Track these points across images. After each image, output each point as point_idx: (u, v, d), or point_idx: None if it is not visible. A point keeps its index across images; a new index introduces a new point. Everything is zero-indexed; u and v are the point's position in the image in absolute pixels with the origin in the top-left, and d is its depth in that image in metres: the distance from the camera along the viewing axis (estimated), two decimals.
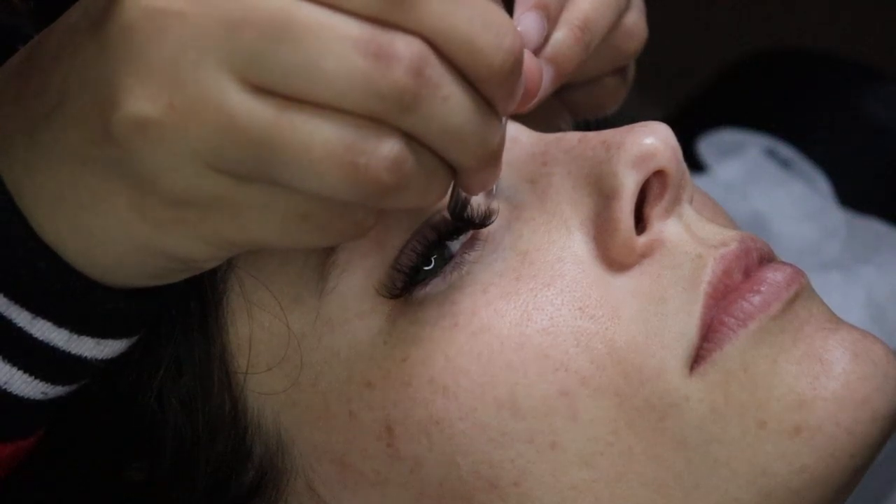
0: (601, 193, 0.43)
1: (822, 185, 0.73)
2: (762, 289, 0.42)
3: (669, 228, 0.43)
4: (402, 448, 0.41)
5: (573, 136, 0.44)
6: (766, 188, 0.72)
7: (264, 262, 0.42)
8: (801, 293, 0.42)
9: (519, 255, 0.42)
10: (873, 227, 0.69)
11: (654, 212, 0.43)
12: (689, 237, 0.43)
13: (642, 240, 0.42)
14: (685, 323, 0.41)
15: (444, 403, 0.41)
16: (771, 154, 0.74)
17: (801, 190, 0.72)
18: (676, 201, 0.43)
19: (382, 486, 0.42)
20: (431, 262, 0.42)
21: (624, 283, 0.42)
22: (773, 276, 0.42)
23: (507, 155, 0.44)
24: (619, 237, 0.42)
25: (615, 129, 0.43)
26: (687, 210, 0.44)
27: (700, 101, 0.86)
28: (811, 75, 0.82)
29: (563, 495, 0.41)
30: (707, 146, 0.76)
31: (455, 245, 0.43)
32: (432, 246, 0.42)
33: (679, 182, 0.43)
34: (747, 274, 0.42)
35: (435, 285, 0.42)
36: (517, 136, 0.45)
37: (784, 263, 0.43)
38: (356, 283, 0.42)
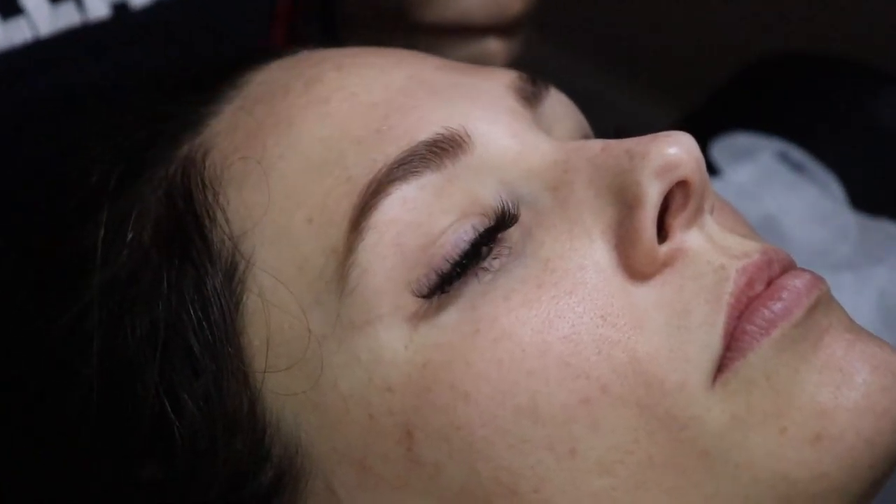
0: (624, 202, 0.43)
1: (835, 188, 0.73)
2: (783, 296, 0.42)
3: (691, 239, 0.43)
4: (422, 453, 0.41)
5: (596, 144, 0.44)
6: (778, 192, 0.72)
7: (283, 264, 0.42)
8: (821, 300, 0.42)
9: (540, 263, 0.42)
10: (885, 229, 0.69)
11: (677, 222, 0.43)
12: (711, 247, 0.43)
13: (664, 249, 0.43)
14: (709, 335, 0.41)
15: (465, 410, 0.41)
16: (783, 158, 0.74)
17: (813, 193, 0.72)
18: (699, 212, 0.43)
19: (402, 491, 0.42)
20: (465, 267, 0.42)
21: (646, 293, 0.42)
22: (794, 283, 0.42)
23: (529, 162, 0.44)
24: (641, 247, 0.42)
25: (638, 137, 0.43)
26: (708, 220, 0.44)
27: (712, 105, 0.86)
28: (823, 79, 0.82)
29: (582, 502, 0.41)
30: (719, 150, 0.76)
31: (484, 252, 0.42)
32: (468, 255, 0.42)
33: (701, 192, 0.43)
34: (769, 284, 0.42)
35: (457, 289, 0.42)
36: (538, 144, 0.45)
37: (803, 270, 0.43)
38: (377, 284, 0.42)
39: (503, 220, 0.43)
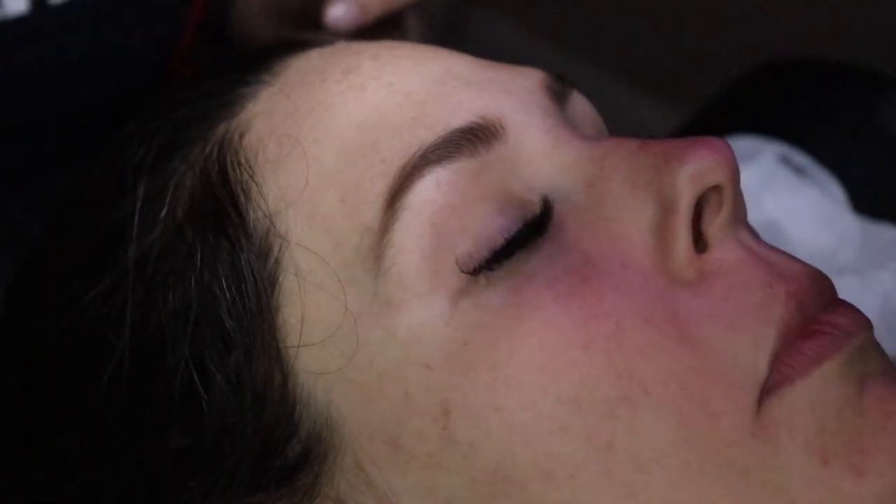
0: (660, 204, 0.43)
1: (837, 191, 0.73)
2: (835, 332, 0.42)
3: (732, 248, 0.43)
4: (458, 432, 0.41)
5: (633, 143, 0.45)
6: (780, 195, 0.72)
7: (319, 243, 0.43)
8: (867, 340, 0.43)
9: (583, 257, 0.43)
10: (888, 234, 0.69)
11: (712, 228, 0.43)
12: (754, 260, 0.43)
13: (705, 256, 0.43)
14: (757, 361, 0.41)
15: (507, 392, 0.41)
16: (785, 161, 0.74)
17: (815, 197, 0.72)
18: (735, 220, 0.44)
19: (434, 469, 0.42)
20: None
21: (689, 300, 0.42)
22: (845, 321, 0.42)
23: (563, 156, 0.45)
24: (678, 249, 0.43)
25: (676, 139, 0.44)
26: (744, 232, 0.44)
27: (715, 108, 0.86)
28: (826, 83, 0.82)
29: (616, 493, 0.41)
30: None
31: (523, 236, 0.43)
32: (514, 238, 0.43)
33: (737, 200, 0.43)
34: (818, 314, 0.42)
35: (503, 270, 0.42)
36: (571, 139, 0.45)
37: (851, 307, 0.43)
38: (414, 263, 0.42)
39: (544, 209, 0.44)
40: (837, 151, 0.76)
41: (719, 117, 0.84)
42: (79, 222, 0.49)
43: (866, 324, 0.44)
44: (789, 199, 0.72)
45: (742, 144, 0.76)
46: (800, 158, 0.74)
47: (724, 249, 0.43)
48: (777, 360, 0.42)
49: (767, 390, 0.41)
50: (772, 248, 0.45)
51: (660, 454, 0.41)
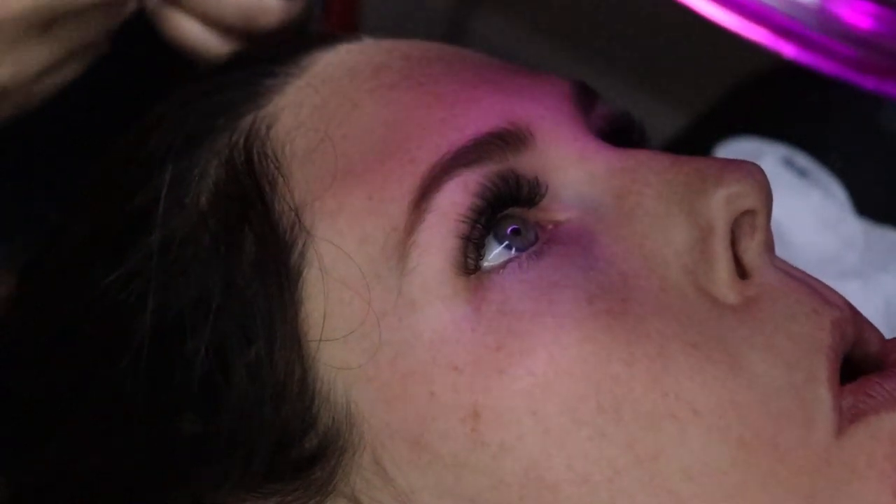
0: (695, 225, 0.43)
1: (840, 194, 0.73)
2: None
3: (770, 273, 0.43)
4: (488, 433, 0.41)
5: (666, 158, 0.44)
6: (783, 197, 0.72)
7: (344, 239, 0.43)
8: None
9: (620, 276, 0.42)
10: (891, 237, 0.69)
11: (749, 254, 0.43)
12: (797, 287, 0.43)
13: (746, 282, 0.43)
14: (819, 394, 0.41)
15: (544, 396, 0.41)
16: (788, 163, 0.74)
17: (818, 199, 0.72)
18: (769, 245, 0.43)
19: (459, 469, 0.42)
20: (504, 239, 0.43)
21: (736, 326, 0.42)
22: None
23: (591, 165, 0.44)
24: (720, 272, 0.43)
25: (709, 159, 0.43)
26: (776, 257, 0.44)
27: (717, 109, 0.86)
28: (829, 85, 0.82)
29: (660, 499, 0.41)
30: (724, 155, 0.76)
31: (530, 234, 0.43)
32: (487, 214, 0.43)
33: (769, 226, 0.43)
34: (855, 338, 0.43)
35: (513, 271, 0.42)
36: (599, 149, 0.45)
37: None
38: (436, 264, 0.42)
39: (517, 188, 0.44)
40: (841, 154, 0.76)
41: (722, 119, 0.84)
42: (103, 205, 0.49)
43: None
44: (792, 202, 0.72)
45: (744, 147, 0.75)
46: (803, 161, 0.74)
47: (764, 274, 0.43)
48: (863, 391, 0.42)
49: (854, 416, 0.41)
50: (806, 273, 0.45)
51: (714, 469, 0.41)
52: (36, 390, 0.48)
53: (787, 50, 0.59)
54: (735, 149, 0.76)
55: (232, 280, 0.44)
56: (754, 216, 0.43)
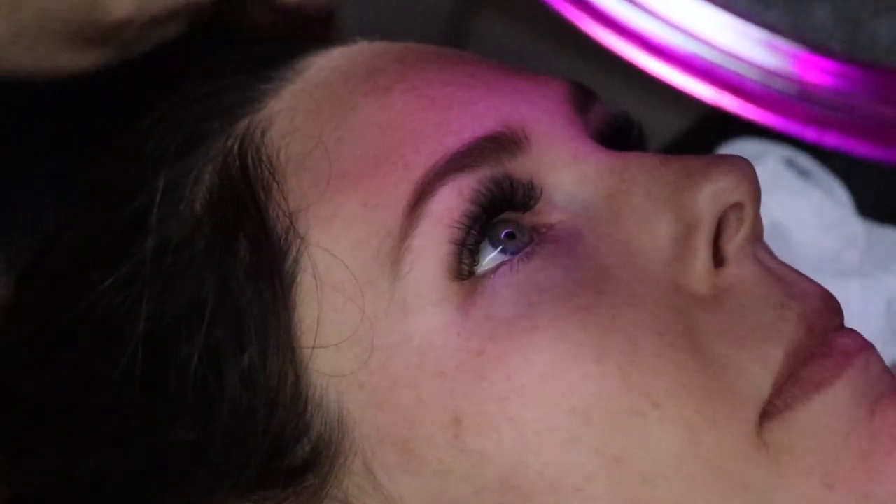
0: (680, 219, 0.43)
1: (842, 194, 0.73)
2: (841, 357, 0.42)
3: (748, 266, 0.43)
4: (470, 440, 0.41)
5: (654, 157, 0.45)
6: (785, 198, 0.72)
7: (338, 245, 0.43)
8: (875, 362, 0.43)
9: (599, 270, 0.43)
10: (893, 237, 0.69)
11: (731, 246, 0.43)
12: (770, 279, 0.43)
13: (721, 274, 0.43)
14: (762, 377, 0.41)
15: (520, 402, 0.41)
16: (790, 164, 0.74)
17: (820, 199, 0.72)
18: (754, 238, 0.43)
19: (443, 476, 0.42)
20: (499, 243, 0.43)
21: (702, 316, 0.42)
22: (850, 344, 0.42)
23: (584, 167, 0.45)
24: (697, 266, 0.43)
25: (697, 156, 0.43)
26: (762, 250, 0.44)
27: (720, 110, 0.86)
28: None
29: None
30: None
31: (525, 238, 0.43)
32: (482, 220, 0.43)
33: (757, 219, 0.43)
34: (824, 334, 0.42)
35: (503, 275, 0.42)
36: (592, 150, 0.45)
37: (855, 332, 0.43)
38: (430, 270, 0.42)
39: (511, 191, 0.44)
40: (842, 154, 0.76)
41: (723, 120, 0.84)
42: (99, 210, 0.49)
43: (869, 346, 0.44)
44: (794, 203, 0.72)
45: (747, 147, 0.75)
46: (805, 161, 0.74)
47: (740, 266, 0.43)
48: (780, 386, 0.42)
49: (769, 415, 0.42)
50: (788, 266, 0.45)
51: (666, 468, 0.41)
52: (32, 396, 0.48)
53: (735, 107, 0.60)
54: (737, 149, 0.76)
55: (226, 286, 0.44)
56: (742, 209, 0.43)
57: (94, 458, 0.46)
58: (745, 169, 0.43)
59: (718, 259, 0.43)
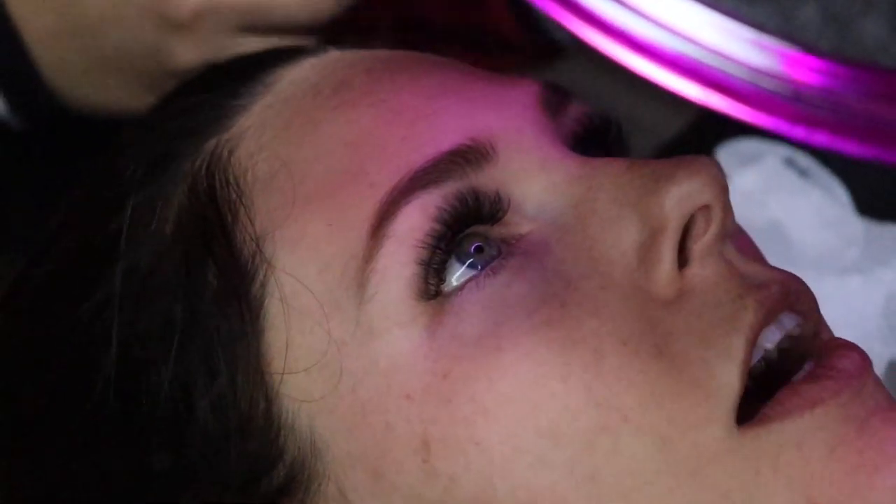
0: (646, 224, 0.42)
1: (841, 193, 0.73)
2: (842, 378, 0.41)
3: (712, 265, 0.42)
4: (438, 464, 0.41)
5: (621, 163, 0.44)
6: (784, 197, 0.72)
7: (304, 268, 0.42)
8: (869, 380, 0.42)
9: (563, 281, 0.42)
10: (892, 232, 0.69)
11: (697, 247, 0.43)
12: (730, 275, 0.42)
13: (685, 275, 0.42)
14: (730, 372, 0.41)
15: (485, 425, 0.41)
16: (789, 163, 0.74)
17: (819, 198, 0.72)
18: (720, 239, 0.43)
19: (415, 500, 0.41)
20: (467, 258, 0.42)
21: (666, 319, 0.42)
22: (846, 364, 0.42)
23: (552, 176, 0.44)
24: (661, 271, 0.42)
25: (664, 160, 0.43)
26: (729, 247, 0.43)
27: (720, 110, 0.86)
28: None
29: None
30: (725, 155, 0.75)
31: (493, 251, 0.42)
32: (447, 237, 0.42)
33: (724, 219, 0.42)
34: (791, 308, 0.42)
35: (471, 291, 0.41)
36: (561, 158, 0.45)
37: (854, 348, 0.43)
38: (396, 291, 0.42)
39: (479, 207, 0.43)
40: (841, 153, 0.76)
41: (723, 120, 0.84)
42: (75, 233, 0.49)
43: (868, 362, 0.43)
44: (794, 202, 0.72)
45: (746, 147, 0.75)
46: (804, 161, 0.74)
47: (703, 265, 0.43)
48: (775, 398, 0.42)
49: (758, 421, 0.41)
50: (753, 261, 0.44)
51: (642, 481, 0.41)
52: (10, 423, 0.48)
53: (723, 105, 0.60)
54: (736, 149, 0.76)
55: (194, 312, 0.44)
56: (709, 210, 0.43)
57: (71, 485, 0.45)
58: (712, 170, 0.43)
59: (683, 259, 0.43)
